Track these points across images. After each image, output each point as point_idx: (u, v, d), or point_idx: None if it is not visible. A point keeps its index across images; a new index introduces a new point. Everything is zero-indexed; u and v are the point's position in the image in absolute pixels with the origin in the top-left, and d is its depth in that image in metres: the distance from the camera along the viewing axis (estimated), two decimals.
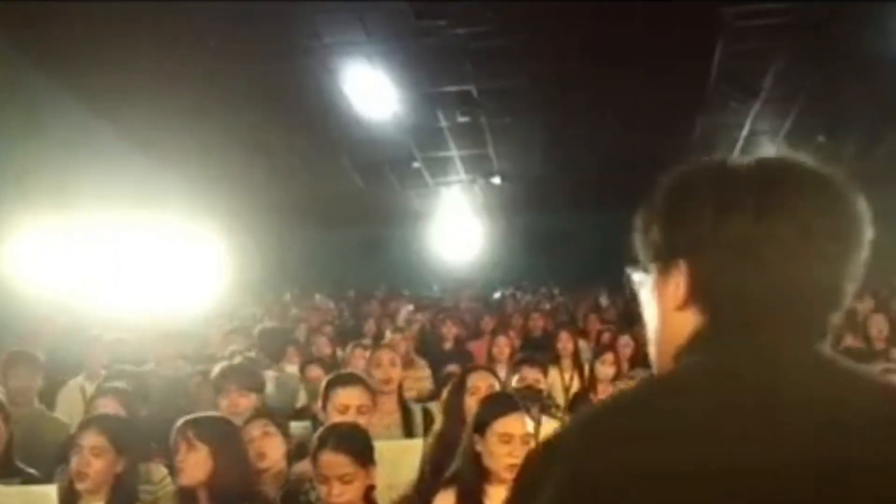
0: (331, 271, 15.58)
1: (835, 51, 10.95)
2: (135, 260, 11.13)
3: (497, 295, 14.53)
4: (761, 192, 1.15)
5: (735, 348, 1.09)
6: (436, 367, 6.73)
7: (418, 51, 10.67)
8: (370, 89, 11.43)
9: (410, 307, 10.68)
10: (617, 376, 5.38)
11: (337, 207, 15.25)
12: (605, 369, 5.43)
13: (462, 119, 12.41)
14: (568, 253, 15.59)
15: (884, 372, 5.02)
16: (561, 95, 11.89)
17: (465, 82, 11.49)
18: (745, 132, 13.31)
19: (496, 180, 14.70)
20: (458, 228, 16.23)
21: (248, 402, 4.09)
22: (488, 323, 9.30)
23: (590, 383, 5.56)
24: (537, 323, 8.38)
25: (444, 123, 12.62)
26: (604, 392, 5.16)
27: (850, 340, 6.22)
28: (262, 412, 3.81)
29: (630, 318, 9.53)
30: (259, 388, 4.27)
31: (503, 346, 6.50)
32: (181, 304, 9.74)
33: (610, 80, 11.42)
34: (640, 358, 6.37)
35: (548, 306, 11.48)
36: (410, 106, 11.96)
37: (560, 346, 6.38)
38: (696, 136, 13.24)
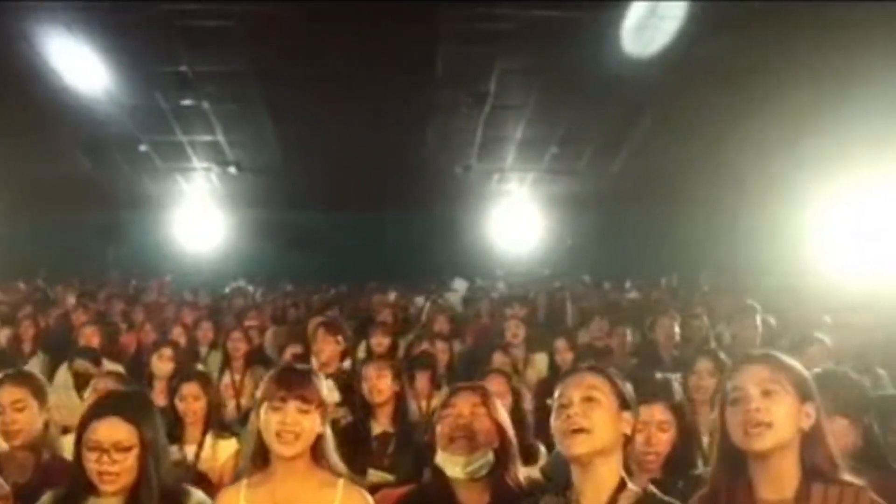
0: (55, 256, 14.58)
1: (560, 61, 11.08)
2: None
3: (229, 288, 14.00)
4: None
5: None
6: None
7: (121, 23, 10.00)
8: (75, 62, 10.68)
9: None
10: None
11: (63, 189, 14.26)
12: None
13: (185, 102, 11.83)
14: (310, 250, 15.25)
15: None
16: (285, 87, 11.51)
17: (178, 63, 10.89)
18: (479, 137, 13.31)
19: (232, 170, 14.14)
20: (197, 217, 15.61)
21: None
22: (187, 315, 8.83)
23: None
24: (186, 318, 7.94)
25: (164, 105, 11.96)
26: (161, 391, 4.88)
27: None
28: None
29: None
30: None
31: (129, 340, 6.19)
32: None
33: (335, 76, 11.16)
34: (254, 356, 6.14)
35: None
36: (123, 84, 11.27)
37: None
38: (431, 138, 13.15)
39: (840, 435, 2.64)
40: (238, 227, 15.58)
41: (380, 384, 4.27)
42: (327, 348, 5.42)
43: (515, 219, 15.75)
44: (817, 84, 10.96)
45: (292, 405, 2.54)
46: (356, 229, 15.49)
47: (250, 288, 13.99)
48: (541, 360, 5.95)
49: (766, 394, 2.20)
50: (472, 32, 10.45)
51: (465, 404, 2.74)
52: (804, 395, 2.23)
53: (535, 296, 9.74)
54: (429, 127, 12.78)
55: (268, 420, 2.54)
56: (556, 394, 2.34)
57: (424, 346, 5.62)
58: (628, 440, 2.33)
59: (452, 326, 7.16)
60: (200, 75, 11.20)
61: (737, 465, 2.22)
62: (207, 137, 13.15)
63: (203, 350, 7.10)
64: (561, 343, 5.56)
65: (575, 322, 8.15)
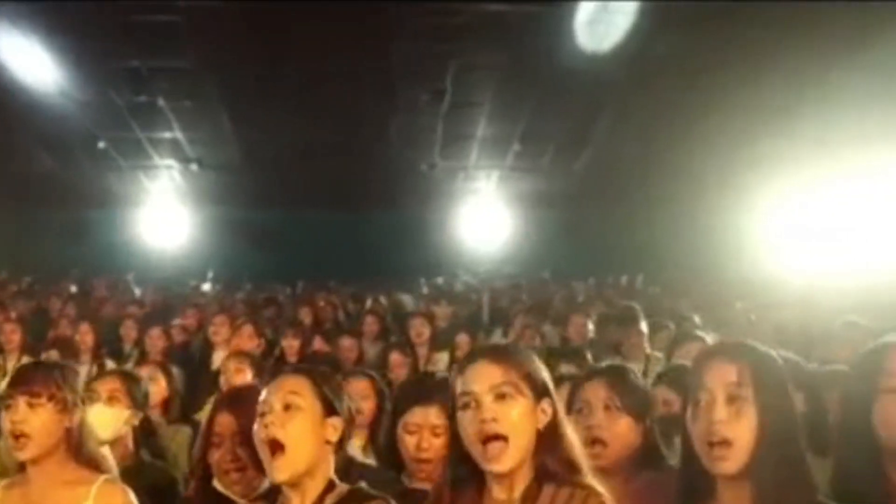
0: (18, 255, 14.46)
1: (514, 57, 10.99)
2: None
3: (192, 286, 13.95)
4: None
5: None
6: None
7: (66, 18, 9.91)
8: (23, 58, 10.60)
9: None
10: None
11: (26, 187, 14.17)
12: None
13: (139, 99, 11.74)
14: (276, 249, 15.16)
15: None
16: (238, 83, 11.43)
17: (129, 58, 10.78)
18: (440, 135, 13.21)
19: (194, 167, 14.04)
20: (162, 215, 15.51)
21: None
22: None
23: None
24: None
25: (119, 102, 11.85)
26: None
27: None
28: None
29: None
30: None
31: None
32: None
33: (287, 74, 11.08)
34: (173, 354, 6.11)
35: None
36: (75, 80, 11.16)
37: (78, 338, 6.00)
38: (392, 136, 13.03)
39: (625, 432, 2.53)
40: (203, 224, 15.48)
41: (235, 378, 4.21)
42: (244, 346, 5.43)
43: (483, 217, 15.66)
44: (771, 83, 10.92)
45: (21, 401, 2.47)
46: (323, 227, 15.39)
47: (208, 285, 13.94)
48: (441, 360, 5.86)
49: (500, 398, 1.99)
50: (425, 28, 10.37)
51: (226, 431, 2.57)
52: (541, 392, 2.04)
53: (479, 294, 9.65)
54: (389, 124, 12.68)
55: (2, 419, 2.48)
56: (261, 398, 2.20)
57: (317, 344, 5.56)
58: (338, 446, 2.20)
59: (382, 327, 7.05)
60: (153, 71, 11.11)
61: (469, 466, 2.03)
62: (166, 134, 13.05)
63: (127, 347, 7.06)
64: (462, 339, 5.47)
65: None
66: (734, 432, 1.94)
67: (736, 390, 1.96)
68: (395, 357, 5.25)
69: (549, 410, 2.05)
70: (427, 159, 14.15)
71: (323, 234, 15.25)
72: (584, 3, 10.07)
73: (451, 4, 10.12)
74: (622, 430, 2.50)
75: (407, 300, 10.47)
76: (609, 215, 14.96)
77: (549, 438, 2.02)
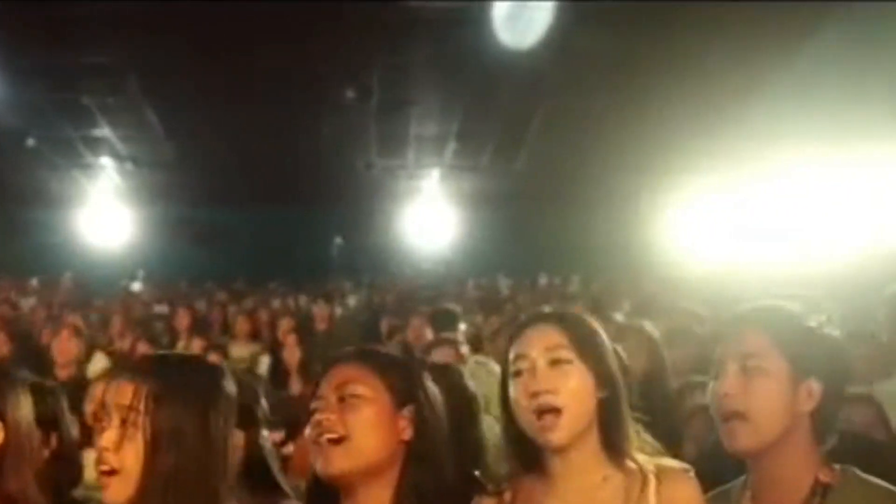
0: None
1: (438, 54, 10.88)
2: None
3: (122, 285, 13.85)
4: None
5: None
6: None
7: None
8: None
9: None
10: None
11: None
12: None
13: (63, 96, 11.59)
14: (217, 247, 15.06)
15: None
16: (163, 80, 11.28)
17: (49, 55, 10.61)
18: (374, 133, 13.10)
19: (129, 166, 13.89)
20: (102, 214, 15.33)
21: None
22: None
23: None
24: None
25: (43, 99, 11.69)
26: None
27: None
28: None
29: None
30: None
31: None
32: None
33: (214, 70, 10.96)
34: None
35: None
36: None
37: None
38: (327, 135, 12.89)
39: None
40: (142, 223, 15.32)
41: None
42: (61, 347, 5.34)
43: (426, 215, 15.54)
44: (706, 82, 10.82)
45: None
46: (264, 225, 15.31)
47: (138, 285, 13.84)
48: (263, 362, 5.79)
49: None
50: (344, 25, 10.25)
51: None
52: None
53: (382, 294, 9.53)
54: (321, 122, 12.54)
55: None
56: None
57: (141, 348, 5.48)
58: None
59: (254, 328, 6.95)
60: (75, 68, 10.94)
61: None
62: (96, 132, 12.89)
63: None
64: (290, 339, 5.39)
65: None
66: (120, 463, 1.66)
67: (126, 413, 1.67)
68: (213, 358, 5.15)
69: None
70: (363, 158, 14.03)
71: (263, 232, 15.17)
72: (499, 2, 9.94)
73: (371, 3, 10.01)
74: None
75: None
76: (549, 215, 14.89)
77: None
